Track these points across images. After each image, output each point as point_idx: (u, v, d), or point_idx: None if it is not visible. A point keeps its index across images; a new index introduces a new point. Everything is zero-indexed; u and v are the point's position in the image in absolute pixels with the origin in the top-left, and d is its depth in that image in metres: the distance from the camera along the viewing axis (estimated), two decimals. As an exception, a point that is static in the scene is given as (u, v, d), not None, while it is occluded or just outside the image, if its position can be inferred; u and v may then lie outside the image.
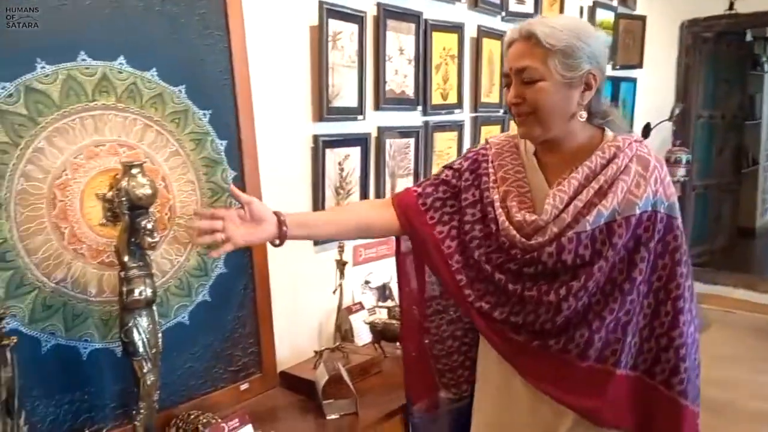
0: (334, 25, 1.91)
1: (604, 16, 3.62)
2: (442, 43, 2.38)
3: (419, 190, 1.42)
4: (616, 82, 3.80)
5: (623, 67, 3.84)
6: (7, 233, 1.26)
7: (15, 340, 1.15)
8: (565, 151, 1.27)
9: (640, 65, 3.97)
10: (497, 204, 1.29)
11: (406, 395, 1.50)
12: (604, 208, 1.19)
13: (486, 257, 1.30)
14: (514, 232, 1.25)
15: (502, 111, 2.74)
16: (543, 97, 1.20)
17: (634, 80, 3.97)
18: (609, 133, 1.28)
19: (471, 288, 1.32)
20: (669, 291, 1.22)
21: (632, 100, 4.01)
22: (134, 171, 1.29)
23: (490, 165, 1.34)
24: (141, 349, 1.31)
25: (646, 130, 3.87)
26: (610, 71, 3.73)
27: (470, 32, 2.55)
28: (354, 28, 2.00)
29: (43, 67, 1.31)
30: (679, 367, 1.21)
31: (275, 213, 1.30)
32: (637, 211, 1.19)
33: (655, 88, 4.17)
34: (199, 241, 1.28)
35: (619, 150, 1.23)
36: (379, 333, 1.94)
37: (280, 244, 1.32)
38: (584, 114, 1.24)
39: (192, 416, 1.46)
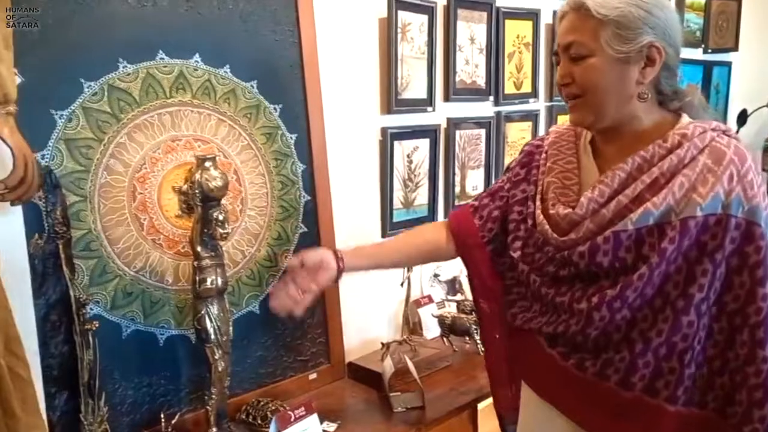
0: (403, 16, 1.90)
1: (695, -3, 3.40)
2: (515, 31, 2.31)
3: (476, 203, 1.33)
4: (708, 66, 3.57)
5: (716, 51, 3.59)
6: (91, 224, 1.34)
7: (97, 325, 1.23)
8: (625, 138, 1.10)
9: (735, 48, 3.70)
10: (537, 197, 1.18)
11: (491, 386, 1.43)
12: (653, 206, 1.01)
13: (526, 258, 1.18)
14: (548, 227, 1.12)
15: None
16: (594, 76, 1.05)
17: (728, 64, 3.71)
18: (684, 119, 1.09)
19: (516, 303, 1.24)
20: (746, 316, 1.00)
21: (726, 86, 3.75)
22: (207, 164, 1.34)
23: (543, 156, 1.22)
24: (212, 336, 1.36)
25: (743, 117, 3.61)
26: (700, 55, 3.51)
27: (546, 19, 2.46)
28: (424, 18, 1.97)
29: (125, 67, 1.38)
30: (751, 414, 0.99)
31: (334, 251, 1.31)
32: (699, 213, 0.99)
33: (753, 72, 3.87)
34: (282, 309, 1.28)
35: (686, 138, 1.03)
36: (448, 327, 1.92)
37: (338, 278, 1.30)
38: (647, 94, 1.07)
39: (261, 403, 1.51)
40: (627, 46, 1.03)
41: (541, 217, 1.15)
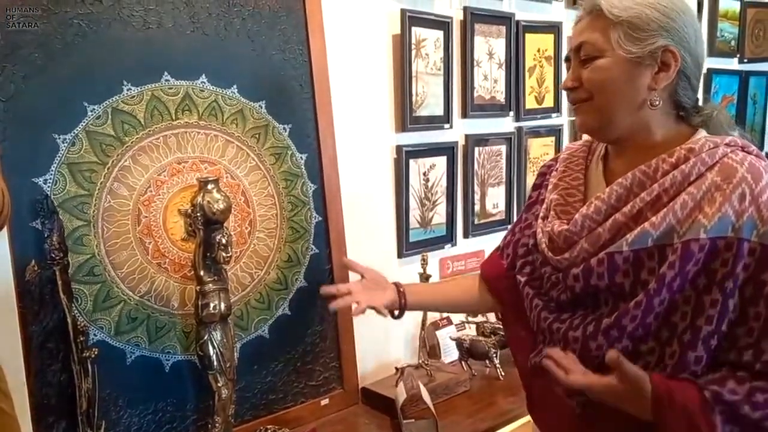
0: (417, 32, 1.86)
1: (729, 5, 3.29)
2: (536, 45, 2.25)
3: (501, 244, 1.28)
4: (744, 76, 3.44)
5: (752, 60, 3.46)
6: (95, 248, 1.33)
7: (96, 352, 1.20)
8: (635, 151, 1.01)
9: (773, 57, 3.56)
10: (540, 214, 1.11)
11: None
12: (652, 226, 0.92)
13: (533, 282, 1.11)
14: (545, 245, 1.06)
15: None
16: (602, 77, 0.97)
17: (766, 74, 3.57)
18: (699, 134, 1.00)
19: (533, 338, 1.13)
20: (760, 352, 0.89)
21: (764, 96, 3.60)
22: (209, 186, 1.32)
23: (553, 174, 1.15)
24: (215, 363, 1.32)
25: (783, 129, 3.47)
26: (736, 65, 3.39)
27: (567, 32, 2.39)
28: (439, 34, 1.93)
29: (129, 89, 1.37)
30: None
31: (395, 284, 1.32)
32: (703, 235, 0.89)
33: (793, 81, 3.72)
34: (335, 306, 1.30)
35: (693, 153, 0.94)
36: (467, 350, 1.85)
37: (400, 316, 1.32)
38: (658, 101, 0.98)
39: (268, 431, 1.46)
40: (638, 47, 0.96)
41: (540, 234, 1.09)
